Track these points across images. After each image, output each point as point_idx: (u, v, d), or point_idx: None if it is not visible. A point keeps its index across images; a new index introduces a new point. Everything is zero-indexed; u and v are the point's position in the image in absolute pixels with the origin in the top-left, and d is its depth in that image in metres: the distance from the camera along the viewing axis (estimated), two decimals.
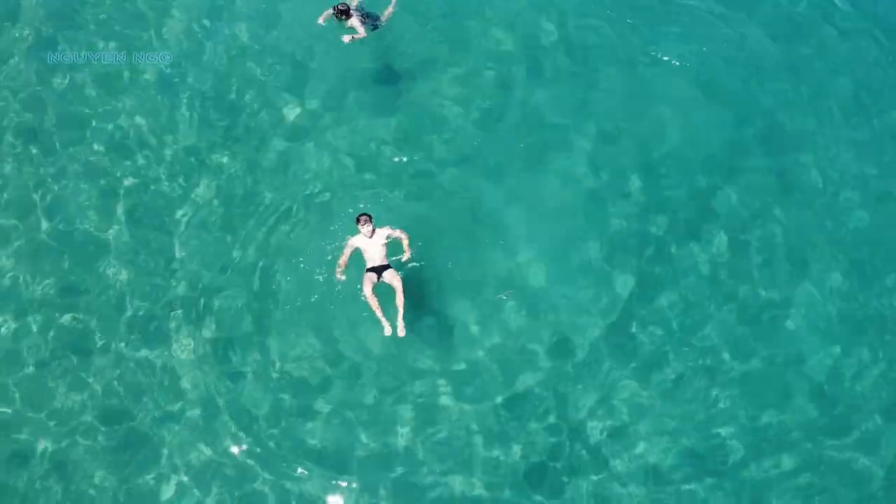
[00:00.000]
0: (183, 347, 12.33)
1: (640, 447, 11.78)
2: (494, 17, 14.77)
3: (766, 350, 12.32)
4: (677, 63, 14.27)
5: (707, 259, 12.86)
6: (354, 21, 13.55)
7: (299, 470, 11.65)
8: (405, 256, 11.86)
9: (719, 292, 12.66)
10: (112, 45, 14.58)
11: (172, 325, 12.46)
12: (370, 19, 13.80)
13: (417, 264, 12.36)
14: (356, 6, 13.77)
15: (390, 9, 14.08)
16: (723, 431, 11.87)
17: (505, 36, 14.60)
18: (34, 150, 13.68)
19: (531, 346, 12.36)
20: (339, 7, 13.49)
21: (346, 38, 13.52)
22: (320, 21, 13.84)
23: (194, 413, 11.98)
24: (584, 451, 11.80)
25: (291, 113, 14.03)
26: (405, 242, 11.85)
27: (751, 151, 13.67)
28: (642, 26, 14.67)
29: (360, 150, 13.71)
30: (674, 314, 12.51)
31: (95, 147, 13.74)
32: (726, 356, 12.27)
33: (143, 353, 12.30)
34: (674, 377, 12.15)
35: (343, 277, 11.82)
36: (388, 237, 11.80)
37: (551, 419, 11.94)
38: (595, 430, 11.90)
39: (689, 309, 12.54)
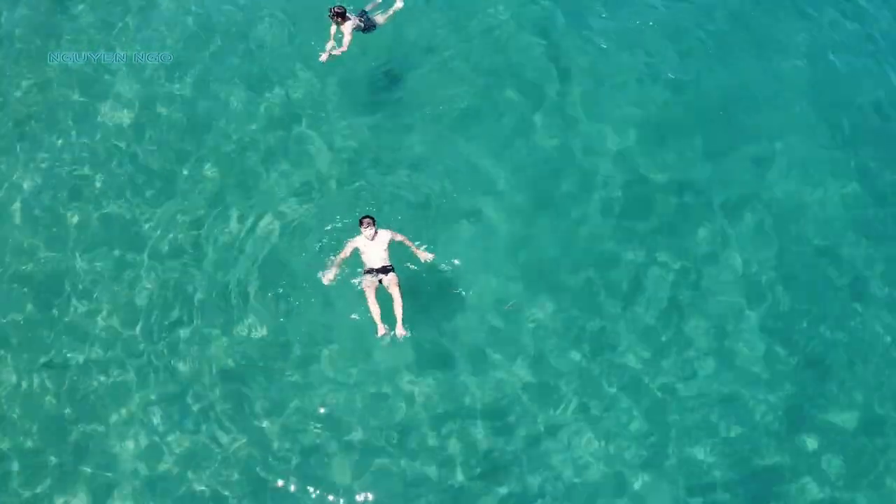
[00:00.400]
0: (169, 359, 12.02)
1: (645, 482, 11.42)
2: (497, 23, 14.71)
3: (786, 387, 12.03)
4: (672, 76, 14.29)
5: (726, 281, 12.63)
6: (346, 27, 13.12)
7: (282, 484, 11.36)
8: (423, 256, 11.68)
9: (744, 320, 12.36)
10: (112, 44, 14.57)
11: (155, 338, 12.13)
12: (366, 20, 13.45)
13: (417, 268, 12.17)
14: (360, 13, 13.51)
15: (390, 11, 13.87)
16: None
17: (510, 43, 14.54)
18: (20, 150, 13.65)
19: (542, 364, 12.02)
20: (336, 10, 13.07)
21: (324, 56, 13.13)
22: (330, 50, 13.23)
23: (176, 436, 11.62)
24: (586, 481, 11.42)
25: (287, 117, 13.90)
26: (412, 245, 11.69)
27: (767, 167, 13.59)
28: (647, 31, 14.67)
29: (359, 155, 13.54)
30: (682, 341, 12.23)
31: (82, 146, 13.63)
32: (745, 395, 11.90)
33: (118, 367, 11.98)
34: (684, 408, 11.85)
35: (332, 278, 11.61)
36: (390, 240, 11.61)
37: (553, 448, 11.57)
38: (597, 457, 11.54)
39: (701, 337, 12.25)
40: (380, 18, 13.78)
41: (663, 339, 12.20)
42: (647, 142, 13.66)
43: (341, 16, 13.11)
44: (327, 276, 11.65)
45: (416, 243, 11.94)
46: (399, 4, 13.95)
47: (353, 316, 12.00)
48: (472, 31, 14.63)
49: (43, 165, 13.44)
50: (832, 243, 12.96)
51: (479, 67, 14.29)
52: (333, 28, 13.31)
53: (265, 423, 11.65)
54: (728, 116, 13.94)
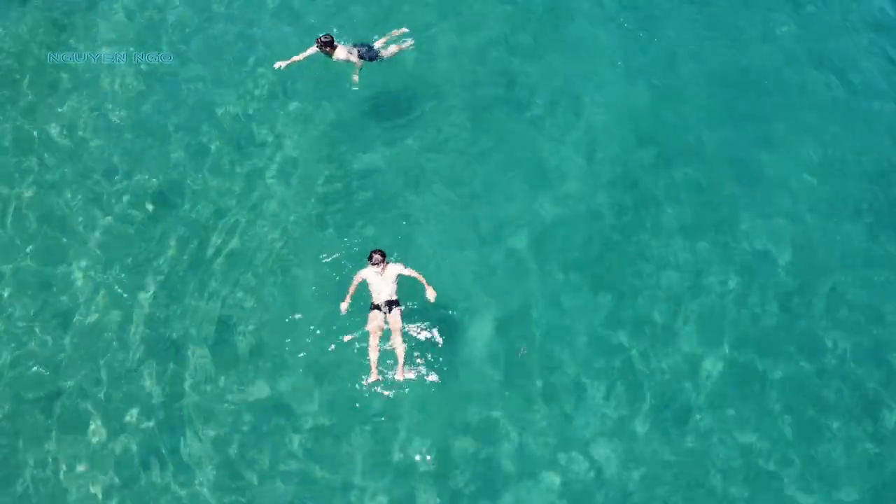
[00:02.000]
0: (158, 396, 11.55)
1: None
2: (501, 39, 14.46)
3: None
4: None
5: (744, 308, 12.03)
6: (341, 53, 12.73)
7: None
8: (429, 294, 11.16)
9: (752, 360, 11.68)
10: (112, 45, 14.38)
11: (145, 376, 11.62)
12: (365, 49, 12.95)
13: (415, 304, 11.67)
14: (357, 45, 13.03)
15: (396, 48, 13.40)
16: None
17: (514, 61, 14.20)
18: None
19: (549, 415, 11.32)
20: (323, 39, 12.67)
21: (356, 78, 12.89)
22: (301, 58, 12.89)
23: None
24: None
25: (284, 141, 13.44)
26: (423, 280, 11.24)
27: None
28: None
29: (365, 178, 13.11)
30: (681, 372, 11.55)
31: (80, 160, 13.32)
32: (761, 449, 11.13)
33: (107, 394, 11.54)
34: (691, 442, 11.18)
35: (346, 310, 11.27)
36: (398, 274, 11.26)
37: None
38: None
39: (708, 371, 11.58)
40: (386, 53, 13.28)
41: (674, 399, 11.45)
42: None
43: (329, 45, 12.71)
44: (343, 307, 11.32)
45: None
46: (408, 43, 13.59)
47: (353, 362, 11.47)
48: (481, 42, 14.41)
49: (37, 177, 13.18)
50: None
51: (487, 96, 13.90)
52: (308, 51, 12.96)
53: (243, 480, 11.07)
54: None
